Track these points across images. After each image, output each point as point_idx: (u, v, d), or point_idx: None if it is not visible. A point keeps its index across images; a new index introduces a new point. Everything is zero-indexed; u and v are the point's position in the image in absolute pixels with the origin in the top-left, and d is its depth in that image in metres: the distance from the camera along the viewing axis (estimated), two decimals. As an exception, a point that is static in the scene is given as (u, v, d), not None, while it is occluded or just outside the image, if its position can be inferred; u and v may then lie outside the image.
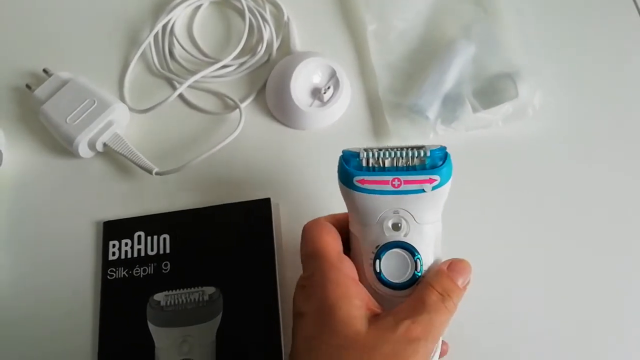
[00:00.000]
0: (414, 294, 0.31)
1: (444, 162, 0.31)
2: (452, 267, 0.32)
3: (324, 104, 0.44)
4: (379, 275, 0.31)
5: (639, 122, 0.44)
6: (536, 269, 0.39)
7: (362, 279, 0.32)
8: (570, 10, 0.48)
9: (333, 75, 0.45)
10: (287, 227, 0.41)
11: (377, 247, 0.31)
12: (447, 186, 0.32)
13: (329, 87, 0.44)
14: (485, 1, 0.48)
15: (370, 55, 0.47)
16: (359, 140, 0.44)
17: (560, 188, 0.42)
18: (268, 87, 0.46)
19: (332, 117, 0.45)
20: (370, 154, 0.32)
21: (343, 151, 0.33)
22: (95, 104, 0.42)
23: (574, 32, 0.47)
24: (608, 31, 0.47)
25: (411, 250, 0.31)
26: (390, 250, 0.31)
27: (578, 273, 0.39)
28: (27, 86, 0.45)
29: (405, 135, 0.43)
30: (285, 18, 0.48)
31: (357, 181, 0.31)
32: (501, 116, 0.43)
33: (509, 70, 0.44)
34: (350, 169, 0.32)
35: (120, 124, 0.43)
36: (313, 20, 0.49)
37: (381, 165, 0.31)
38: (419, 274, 0.31)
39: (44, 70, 0.46)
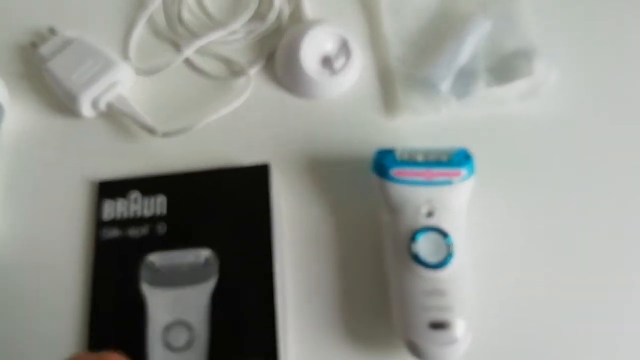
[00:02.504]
0: None
1: (467, 159, 0.36)
2: None
3: (334, 73, 0.43)
4: (415, 256, 0.34)
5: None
6: (554, 248, 0.38)
7: (396, 263, 0.35)
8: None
9: (344, 45, 0.44)
10: (286, 194, 0.40)
11: (412, 231, 0.34)
12: (471, 180, 0.36)
13: (340, 56, 0.43)
14: (501, -22, 0.47)
15: (383, 28, 0.46)
16: (371, 112, 0.43)
17: (573, 166, 0.41)
18: (278, 55, 0.45)
19: (342, 87, 0.44)
20: (405, 150, 0.37)
21: (377, 150, 0.37)
22: (101, 63, 0.41)
23: (591, 10, 0.46)
24: (626, 9, 0.46)
25: (444, 234, 0.34)
26: (426, 234, 0.34)
27: (597, 250, 0.38)
28: (33, 44, 0.44)
29: (416, 108, 0.42)
30: (299, -11, 0.47)
31: (393, 173, 0.36)
32: (514, 93, 0.42)
33: (524, 47, 0.43)
34: (387, 162, 0.36)
35: (125, 85, 0.42)
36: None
37: (414, 160, 0.36)
38: (452, 255, 0.34)
39: (50, 29, 0.45)
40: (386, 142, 0.41)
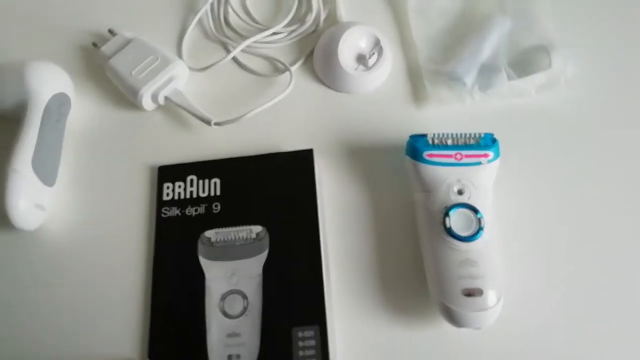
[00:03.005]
0: None
1: (494, 143, 0.40)
2: None
3: (368, 68, 0.47)
4: (449, 230, 0.37)
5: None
6: (573, 238, 0.41)
7: (430, 237, 0.38)
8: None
9: (377, 43, 0.48)
10: (327, 177, 0.44)
11: (445, 207, 0.38)
12: (497, 161, 0.40)
13: (373, 53, 0.47)
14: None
15: (410, 28, 0.50)
16: (400, 104, 0.47)
17: (586, 157, 0.44)
18: (316, 53, 0.49)
19: (375, 82, 0.48)
20: (435, 135, 0.40)
21: (410, 135, 0.41)
22: (159, 60, 0.46)
23: (606, 6, 0.50)
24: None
25: (475, 210, 0.38)
26: (458, 209, 0.38)
27: (619, 240, 0.41)
28: (94, 44, 0.49)
29: (443, 99, 0.46)
30: (333, -6, 0.52)
31: (426, 155, 0.40)
32: (535, 85, 0.46)
33: (543, 42, 0.47)
34: (420, 146, 0.40)
35: (181, 80, 0.47)
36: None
37: (444, 143, 0.40)
38: (482, 228, 0.37)
39: (109, 30, 0.49)
40: (417, 130, 0.45)
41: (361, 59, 0.48)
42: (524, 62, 0.47)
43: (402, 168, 0.42)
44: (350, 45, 0.47)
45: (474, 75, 0.46)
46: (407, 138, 0.42)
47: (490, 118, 0.46)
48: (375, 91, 0.48)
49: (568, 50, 0.46)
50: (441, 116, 0.46)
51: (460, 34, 0.49)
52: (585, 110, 0.46)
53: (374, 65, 0.47)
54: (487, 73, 0.47)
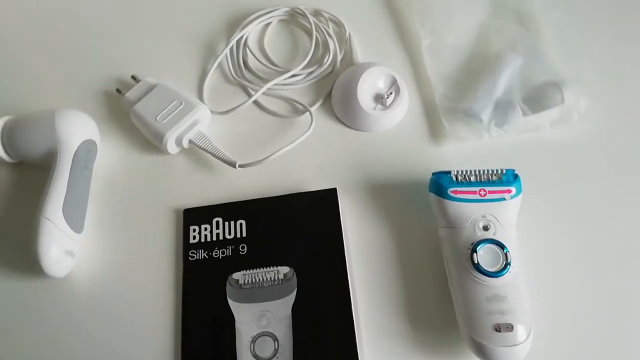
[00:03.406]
0: None
1: (516, 178, 0.41)
2: None
3: (386, 108, 0.48)
4: (477, 265, 0.38)
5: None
6: (595, 270, 0.42)
7: (458, 273, 0.39)
8: (608, 23, 0.53)
9: (394, 83, 0.49)
10: (350, 216, 0.45)
11: (472, 243, 0.39)
12: (520, 197, 0.41)
13: (391, 93, 0.49)
14: (527, 21, 0.53)
15: (425, 67, 0.51)
16: (420, 142, 0.48)
17: (604, 188, 0.45)
18: (334, 93, 0.50)
19: (394, 120, 0.49)
20: (459, 172, 0.41)
21: (434, 173, 0.42)
22: (182, 104, 0.47)
23: (615, 39, 0.52)
24: None
25: (501, 245, 0.39)
26: (485, 245, 0.39)
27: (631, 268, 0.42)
28: (118, 90, 0.50)
29: (460, 135, 0.48)
30: (347, 34, 0.53)
31: (450, 192, 0.40)
32: (549, 120, 0.48)
33: (555, 78, 0.49)
34: (444, 183, 0.41)
35: (204, 123, 0.48)
36: (372, 35, 0.54)
37: (468, 180, 0.41)
38: (510, 263, 0.38)
39: (132, 77, 0.51)
40: (436, 167, 0.46)
41: (379, 98, 0.49)
42: (538, 98, 0.48)
43: (425, 204, 0.43)
44: (368, 86, 0.49)
45: (490, 112, 0.48)
46: (427, 174, 0.43)
47: (507, 153, 0.47)
48: (394, 129, 0.49)
49: (579, 85, 0.48)
50: (459, 152, 0.47)
51: (474, 71, 0.51)
52: (598, 143, 0.47)
53: (391, 104, 0.49)
54: (503, 109, 0.48)
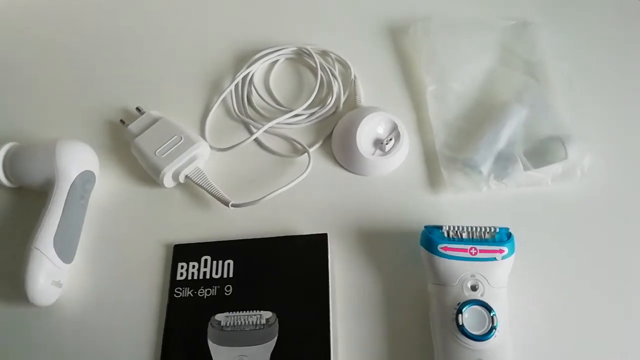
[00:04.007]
0: None
1: (509, 238, 0.40)
2: None
3: (385, 153, 0.48)
4: (461, 327, 0.37)
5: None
6: (589, 320, 0.41)
7: (442, 333, 0.38)
8: (616, 79, 0.52)
9: (395, 129, 0.49)
10: (341, 262, 0.44)
11: (458, 304, 0.38)
12: (512, 257, 0.40)
13: (390, 139, 0.48)
14: (536, 71, 0.53)
15: (428, 113, 0.51)
16: (417, 189, 0.48)
17: (604, 250, 0.44)
18: (334, 136, 0.50)
19: (392, 166, 0.49)
20: (451, 228, 0.40)
21: (425, 226, 0.41)
22: (182, 140, 0.47)
23: (621, 98, 0.51)
24: None
25: (488, 308, 0.37)
26: (471, 307, 0.38)
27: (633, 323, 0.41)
28: (121, 121, 0.51)
29: (459, 186, 0.47)
30: (352, 76, 0.53)
31: (440, 248, 0.39)
32: (551, 175, 0.47)
33: (559, 133, 0.48)
34: (435, 238, 0.40)
35: (202, 159, 0.48)
36: (377, 78, 0.54)
37: (460, 236, 0.40)
38: (496, 327, 0.37)
39: (137, 109, 0.52)
40: (431, 217, 0.46)
41: (378, 143, 0.49)
42: (541, 152, 0.47)
43: (417, 256, 0.42)
44: (368, 130, 0.48)
45: (490, 164, 0.47)
46: (422, 224, 0.42)
47: (506, 206, 0.46)
48: (392, 175, 0.49)
49: (584, 141, 0.47)
50: (456, 203, 0.47)
51: (478, 120, 0.50)
52: (600, 202, 0.46)
53: (391, 149, 0.48)
54: (504, 162, 0.47)
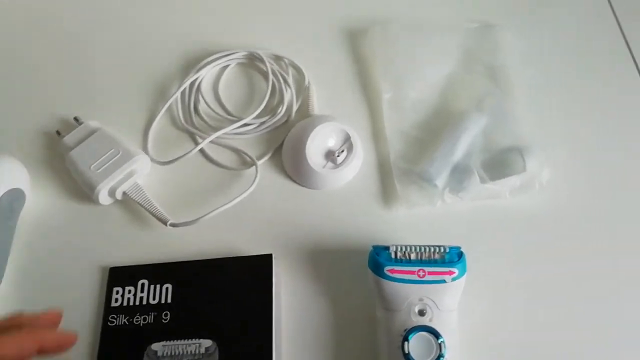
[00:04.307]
0: None
1: (460, 258, 0.38)
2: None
3: (336, 166, 0.46)
4: (407, 356, 0.35)
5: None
6: (545, 338, 0.39)
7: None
8: (581, 87, 0.50)
9: (347, 139, 0.46)
10: (287, 283, 0.42)
11: (405, 330, 0.36)
12: (463, 279, 0.37)
13: (342, 151, 0.46)
14: (498, 76, 0.50)
15: (384, 122, 0.49)
16: (369, 204, 0.45)
17: (564, 261, 0.42)
18: (285, 147, 0.48)
19: (344, 179, 0.46)
20: (398, 248, 0.38)
21: (373, 246, 0.39)
22: (120, 153, 0.44)
23: (585, 109, 0.49)
24: (617, 110, 0.48)
25: (436, 334, 0.35)
26: (418, 333, 0.35)
27: (589, 342, 0.39)
28: (57, 132, 0.48)
29: (413, 200, 0.45)
30: (307, 82, 0.51)
31: (387, 270, 0.37)
32: (508, 188, 0.45)
33: (518, 144, 0.46)
34: (382, 260, 0.38)
35: (141, 173, 0.45)
36: (332, 86, 0.51)
37: (408, 257, 0.38)
38: (443, 355, 0.35)
39: (75, 119, 0.48)
40: (384, 233, 0.44)
41: (330, 155, 0.46)
42: (498, 164, 0.45)
43: (366, 277, 0.40)
44: (319, 142, 0.46)
45: (446, 177, 0.45)
46: (373, 242, 0.40)
47: (461, 222, 0.44)
48: (344, 188, 0.46)
49: (543, 153, 0.45)
50: (410, 218, 0.44)
51: (435, 129, 0.48)
52: (560, 215, 0.44)
53: (343, 162, 0.46)
54: (460, 175, 0.45)
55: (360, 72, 0.52)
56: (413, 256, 0.38)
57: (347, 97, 0.51)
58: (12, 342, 0.30)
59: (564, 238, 0.43)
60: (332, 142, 0.47)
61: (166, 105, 0.49)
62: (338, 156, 0.46)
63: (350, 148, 0.46)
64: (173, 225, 0.42)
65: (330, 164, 0.46)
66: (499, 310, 0.40)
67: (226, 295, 0.40)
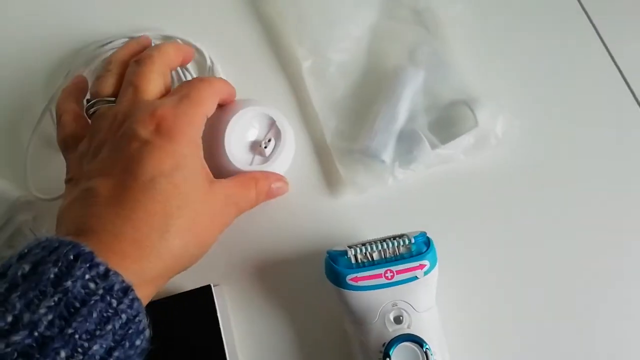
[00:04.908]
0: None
1: (428, 247, 0.32)
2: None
3: (266, 159, 0.38)
4: None
5: (606, 138, 0.40)
6: (514, 302, 0.36)
7: None
8: (521, 24, 0.44)
9: (272, 125, 0.39)
10: (240, 313, 0.36)
11: (383, 344, 0.30)
12: (436, 269, 0.32)
13: (269, 140, 0.39)
14: (426, 19, 0.44)
15: (309, 95, 0.42)
16: (313, 195, 0.39)
17: (531, 216, 0.38)
18: (198, 148, 0.39)
19: (278, 171, 0.39)
20: (358, 250, 0.32)
21: (328, 251, 0.33)
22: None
23: (529, 47, 0.43)
24: (565, 44, 0.43)
25: (419, 342, 0.31)
26: (399, 345, 0.30)
27: (553, 302, 0.36)
28: None
29: (360, 183, 0.39)
30: (209, 62, 0.42)
31: (350, 280, 0.31)
32: (462, 149, 0.39)
33: (464, 97, 0.40)
34: (341, 268, 0.32)
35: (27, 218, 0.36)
36: (241, 62, 0.43)
37: (370, 259, 0.32)
38: None
39: None
40: (335, 228, 0.38)
41: (256, 146, 0.39)
42: (446, 123, 0.40)
43: (325, 283, 0.34)
44: (239, 134, 0.38)
45: (392, 150, 0.39)
46: (326, 239, 0.35)
47: (418, 196, 0.39)
48: (279, 182, 0.39)
49: (494, 102, 0.40)
50: (362, 203, 0.39)
51: (368, 94, 0.42)
52: (522, 168, 0.39)
53: (272, 153, 0.39)
54: (407, 144, 0.39)
55: (270, 41, 0.44)
56: (375, 256, 0.32)
57: (261, 73, 0.43)
58: (203, 92, 0.33)
59: (533, 190, 0.39)
60: (256, 132, 0.39)
61: (36, 126, 0.39)
62: (265, 147, 0.38)
63: (277, 135, 0.39)
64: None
65: (258, 158, 0.39)
66: (479, 289, 0.36)
67: (166, 345, 0.33)
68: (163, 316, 0.33)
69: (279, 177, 0.37)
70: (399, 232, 0.34)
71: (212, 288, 0.34)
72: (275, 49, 0.44)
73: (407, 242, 0.33)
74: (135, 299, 0.26)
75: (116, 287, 0.25)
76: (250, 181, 0.35)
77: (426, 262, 0.32)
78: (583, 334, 0.35)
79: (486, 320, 0.35)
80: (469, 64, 0.41)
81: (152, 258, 0.28)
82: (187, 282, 0.35)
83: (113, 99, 0.34)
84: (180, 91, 0.33)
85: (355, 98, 0.42)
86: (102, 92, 0.34)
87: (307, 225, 0.38)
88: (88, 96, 0.36)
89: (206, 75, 0.42)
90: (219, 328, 0.33)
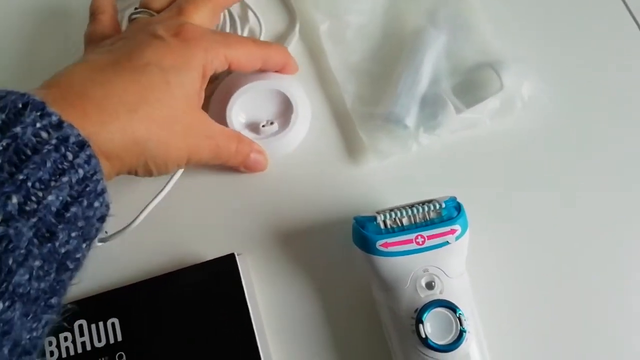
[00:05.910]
0: None
1: (459, 212, 0.32)
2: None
3: (277, 133, 0.37)
4: (425, 340, 0.29)
5: (636, 104, 0.39)
6: (542, 267, 0.35)
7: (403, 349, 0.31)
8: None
9: (282, 96, 0.38)
10: (264, 283, 0.35)
11: (416, 311, 0.30)
12: (467, 234, 0.31)
13: (272, 123, 0.37)
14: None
15: (327, 59, 0.40)
16: (334, 164, 0.38)
17: (560, 181, 0.37)
18: (210, 112, 0.38)
19: (291, 144, 0.38)
20: (387, 216, 0.31)
21: (355, 218, 0.32)
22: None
23: (555, 7, 0.41)
24: (592, 7, 0.42)
25: (452, 307, 0.30)
26: (432, 311, 0.30)
27: (581, 268, 0.35)
28: None
29: (383, 150, 0.37)
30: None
31: (380, 245, 0.31)
32: (488, 113, 0.38)
33: (488, 59, 0.39)
34: (370, 234, 0.31)
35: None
36: (257, 27, 0.41)
37: (400, 224, 0.31)
38: (465, 330, 0.29)
39: None
40: (359, 196, 0.37)
41: (258, 125, 0.37)
42: (471, 86, 0.39)
43: (350, 250, 0.33)
44: (244, 107, 0.37)
45: (416, 115, 0.38)
46: (349, 207, 0.34)
47: (443, 163, 0.38)
48: (297, 152, 0.38)
49: (519, 65, 0.38)
50: (386, 170, 0.38)
51: (388, 57, 0.40)
52: (550, 131, 0.38)
53: (284, 126, 0.37)
54: (431, 108, 0.38)
55: (286, 4, 0.42)
56: (405, 221, 0.32)
57: (279, 38, 0.41)
58: (241, 43, 0.33)
59: (560, 155, 0.37)
60: (264, 102, 0.38)
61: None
62: (270, 125, 0.37)
63: (289, 109, 0.37)
64: (101, 240, 0.33)
65: (269, 129, 0.37)
66: (505, 257, 0.35)
67: (190, 314, 0.33)
68: (186, 285, 0.33)
69: (261, 151, 0.36)
70: (426, 198, 0.33)
71: (236, 256, 0.33)
72: (289, 13, 0.42)
73: (437, 207, 0.32)
74: (92, 155, 0.24)
75: (71, 139, 0.23)
76: (234, 136, 0.34)
77: (457, 227, 0.31)
78: (616, 305, 0.34)
79: (514, 287, 0.35)
80: (492, 25, 0.40)
81: (112, 128, 0.26)
82: (210, 250, 0.34)
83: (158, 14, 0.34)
84: (223, 32, 0.34)
85: (374, 61, 0.40)
86: (151, 5, 0.34)
87: (329, 193, 0.37)
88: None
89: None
90: (245, 297, 0.33)
